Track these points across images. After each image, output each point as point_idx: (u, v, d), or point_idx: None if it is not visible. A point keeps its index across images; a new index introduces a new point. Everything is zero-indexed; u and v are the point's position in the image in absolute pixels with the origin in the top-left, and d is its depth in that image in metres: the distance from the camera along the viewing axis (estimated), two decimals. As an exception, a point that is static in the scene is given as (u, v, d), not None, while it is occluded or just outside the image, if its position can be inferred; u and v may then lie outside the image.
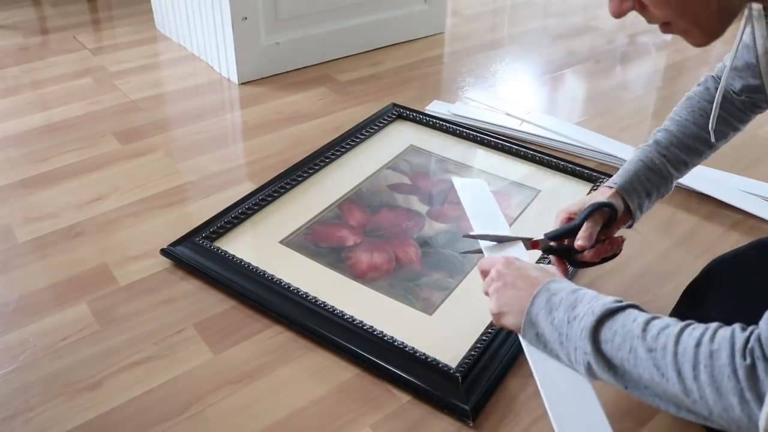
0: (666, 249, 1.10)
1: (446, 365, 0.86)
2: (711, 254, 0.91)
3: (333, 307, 0.95)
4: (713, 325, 0.58)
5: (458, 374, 0.85)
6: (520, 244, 0.88)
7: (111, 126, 1.43)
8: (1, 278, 1.01)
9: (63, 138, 1.38)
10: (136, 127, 1.43)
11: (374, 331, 0.91)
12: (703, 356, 0.56)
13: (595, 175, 1.25)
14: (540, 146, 1.39)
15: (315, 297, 0.96)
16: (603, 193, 0.90)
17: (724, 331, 0.57)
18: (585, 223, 0.85)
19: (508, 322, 0.74)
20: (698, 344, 0.57)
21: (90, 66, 1.69)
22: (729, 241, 1.12)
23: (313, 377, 0.87)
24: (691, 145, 0.91)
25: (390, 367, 0.87)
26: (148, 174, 1.27)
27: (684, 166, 0.92)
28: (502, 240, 0.89)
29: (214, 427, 0.80)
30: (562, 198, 1.21)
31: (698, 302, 0.85)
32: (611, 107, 1.57)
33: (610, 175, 1.25)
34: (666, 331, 0.60)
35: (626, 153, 1.33)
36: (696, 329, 0.59)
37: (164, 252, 1.05)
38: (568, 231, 0.87)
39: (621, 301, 0.66)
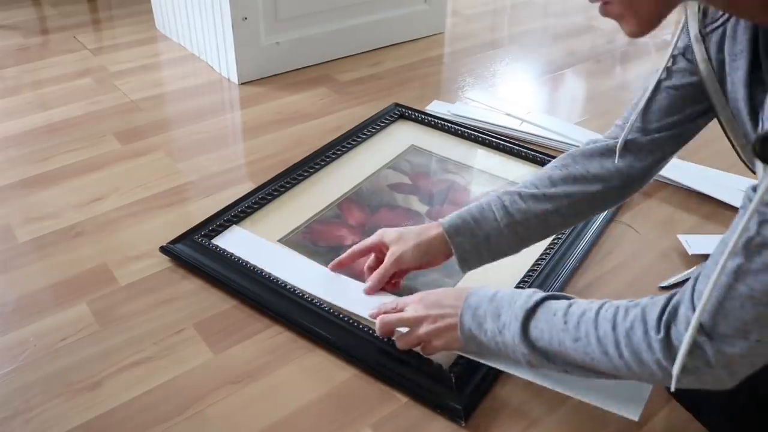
0: (666, 249, 1.10)
1: (440, 365, 0.86)
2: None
3: (329, 305, 0.95)
4: (623, 303, 0.66)
5: (452, 374, 0.85)
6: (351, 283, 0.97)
7: (111, 126, 1.43)
8: (1, 278, 1.01)
9: (63, 138, 1.38)
10: (136, 127, 1.43)
11: (371, 330, 0.91)
12: (621, 336, 0.64)
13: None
14: (540, 146, 1.39)
15: (312, 296, 0.96)
16: (431, 228, 0.91)
17: (635, 309, 0.64)
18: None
19: (450, 347, 0.81)
20: (614, 326, 0.65)
21: (90, 66, 1.69)
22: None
23: (313, 377, 0.87)
24: (534, 194, 0.87)
25: (387, 368, 0.87)
26: (148, 174, 1.27)
27: (520, 216, 0.86)
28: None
29: (214, 427, 0.80)
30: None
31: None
32: (611, 107, 1.57)
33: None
34: (584, 318, 0.68)
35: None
36: (608, 310, 0.67)
37: (163, 249, 1.05)
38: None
39: (535, 294, 0.73)
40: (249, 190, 1.20)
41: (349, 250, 0.97)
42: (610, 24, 2.10)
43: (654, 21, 0.61)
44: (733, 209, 1.20)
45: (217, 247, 1.05)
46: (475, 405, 0.83)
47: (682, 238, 1.11)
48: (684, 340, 0.59)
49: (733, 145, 0.72)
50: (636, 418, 0.74)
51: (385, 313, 0.86)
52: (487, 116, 1.48)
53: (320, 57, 1.74)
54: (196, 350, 0.90)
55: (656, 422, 0.83)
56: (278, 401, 0.84)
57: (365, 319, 0.92)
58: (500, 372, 0.87)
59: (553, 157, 1.29)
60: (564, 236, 1.09)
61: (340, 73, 1.70)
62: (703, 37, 0.70)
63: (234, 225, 1.11)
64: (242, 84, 1.62)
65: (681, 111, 0.82)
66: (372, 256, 0.96)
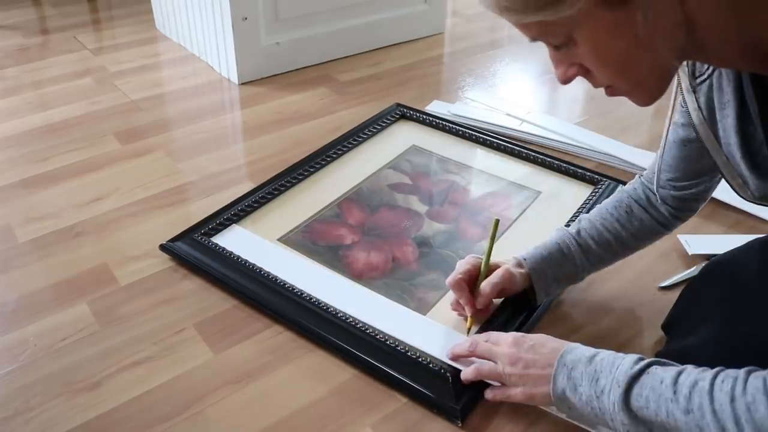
0: (666, 249, 1.10)
1: (437, 365, 0.86)
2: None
3: (327, 305, 0.95)
4: (741, 374, 0.60)
5: (449, 374, 0.85)
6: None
7: (111, 126, 1.43)
8: (1, 278, 1.01)
9: (63, 138, 1.38)
10: (136, 127, 1.43)
11: (368, 330, 0.91)
12: (741, 411, 0.58)
13: (597, 177, 1.25)
14: (540, 146, 1.39)
15: (310, 295, 0.96)
16: (515, 266, 0.92)
17: (755, 380, 0.59)
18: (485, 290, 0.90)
19: (537, 402, 0.78)
20: (733, 399, 0.59)
21: (90, 66, 1.69)
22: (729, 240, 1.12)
23: (313, 377, 0.87)
24: (609, 241, 0.93)
25: (383, 367, 0.87)
26: (148, 174, 1.27)
27: (598, 261, 0.94)
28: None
29: (214, 427, 0.80)
30: (562, 200, 1.22)
31: (696, 302, 0.85)
32: (611, 107, 1.57)
33: (609, 177, 1.25)
34: (697, 388, 0.62)
35: (626, 153, 1.33)
36: (726, 381, 0.61)
37: (163, 248, 1.05)
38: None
39: (641, 360, 0.68)
40: (249, 190, 1.20)
41: (461, 289, 0.91)
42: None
43: (661, 90, 0.64)
44: (734, 209, 1.20)
45: (216, 245, 1.05)
46: (473, 405, 0.83)
47: (682, 238, 1.11)
48: None
49: (730, 184, 0.73)
50: None
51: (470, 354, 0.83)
52: (487, 116, 1.48)
53: (320, 57, 1.74)
54: (196, 350, 0.90)
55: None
56: (278, 401, 0.84)
57: (364, 318, 0.92)
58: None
59: (553, 158, 1.30)
60: (564, 236, 1.09)
61: (340, 73, 1.70)
62: (694, 89, 0.73)
63: (234, 224, 1.11)
64: (242, 84, 1.62)
65: (700, 160, 0.85)
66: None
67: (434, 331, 0.93)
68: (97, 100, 1.53)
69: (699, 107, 0.73)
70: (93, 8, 2.07)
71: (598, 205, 0.97)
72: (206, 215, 1.12)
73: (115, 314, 0.96)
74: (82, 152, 1.33)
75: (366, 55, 1.80)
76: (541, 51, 1.93)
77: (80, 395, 0.84)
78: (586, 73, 0.66)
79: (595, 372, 0.70)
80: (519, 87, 1.70)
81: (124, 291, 1.00)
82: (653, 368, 0.67)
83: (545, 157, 1.31)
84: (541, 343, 0.77)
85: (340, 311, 0.94)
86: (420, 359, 0.87)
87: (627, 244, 0.93)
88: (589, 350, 0.73)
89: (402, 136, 1.41)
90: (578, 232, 0.93)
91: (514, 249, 1.09)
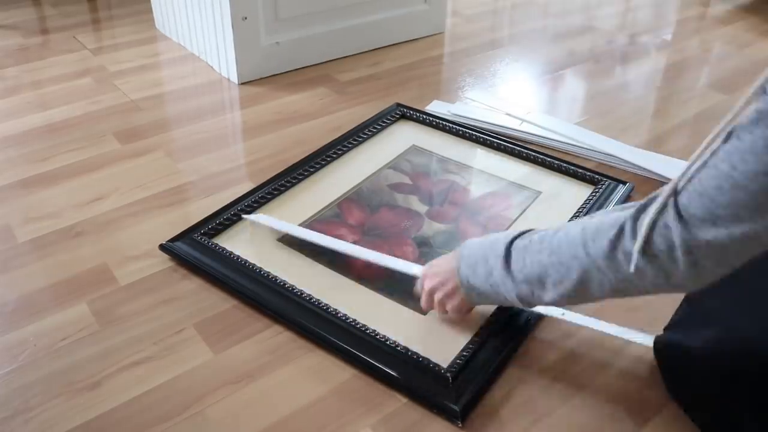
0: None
1: (437, 365, 0.86)
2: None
3: (327, 305, 0.95)
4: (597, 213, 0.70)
5: (449, 374, 0.85)
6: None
7: (111, 126, 1.43)
8: (1, 278, 1.01)
9: (63, 138, 1.38)
10: (136, 127, 1.43)
11: (368, 330, 0.91)
12: (589, 234, 0.67)
13: (597, 177, 1.25)
14: (540, 146, 1.39)
15: (310, 295, 0.96)
16: None
17: (607, 216, 0.68)
18: None
19: (461, 307, 0.86)
20: (583, 228, 0.68)
21: (90, 66, 1.69)
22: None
23: (313, 377, 0.87)
24: None
25: (383, 367, 0.87)
26: (148, 174, 1.27)
27: None
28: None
29: (214, 427, 0.80)
30: (562, 200, 1.22)
31: (698, 302, 0.85)
32: (611, 107, 1.57)
33: (610, 177, 1.25)
34: (558, 234, 0.71)
35: (626, 153, 1.33)
36: (577, 224, 0.70)
37: (163, 247, 1.05)
38: None
39: (517, 232, 0.77)
40: (249, 190, 1.20)
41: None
42: (610, 24, 2.12)
43: None
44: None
45: (216, 245, 1.05)
46: (473, 406, 0.83)
47: None
48: (649, 214, 0.61)
49: None
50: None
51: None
52: (487, 116, 1.48)
53: (320, 57, 1.74)
54: (196, 350, 0.90)
55: (656, 422, 0.83)
56: (278, 401, 0.84)
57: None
58: (498, 373, 0.87)
59: (553, 158, 1.30)
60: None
61: (340, 73, 1.70)
62: None
63: (234, 224, 1.11)
64: (242, 84, 1.62)
65: None
66: None
67: (434, 332, 0.93)
68: (97, 99, 1.53)
69: None
70: (93, 8, 2.07)
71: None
72: (206, 215, 1.12)
73: (115, 314, 0.95)
74: (81, 152, 1.33)
75: (366, 55, 1.80)
76: (541, 51, 1.93)
77: (80, 395, 0.84)
78: None
79: (484, 253, 0.79)
80: (519, 87, 1.70)
81: (124, 291, 1.00)
82: (526, 233, 0.76)
83: (545, 157, 1.31)
84: (444, 259, 0.88)
85: (340, 311, 0.94)
86: (420, 359, 0.87)
87: None
88: (479, 239, 0.83)
89: (402, 136, 1.41)
90: None
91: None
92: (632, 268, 0.61)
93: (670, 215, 0.59)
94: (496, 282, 0.77)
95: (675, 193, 0.60)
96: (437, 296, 0.87)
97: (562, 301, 0.74)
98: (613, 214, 0.67)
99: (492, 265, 0.77)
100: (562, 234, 0.71)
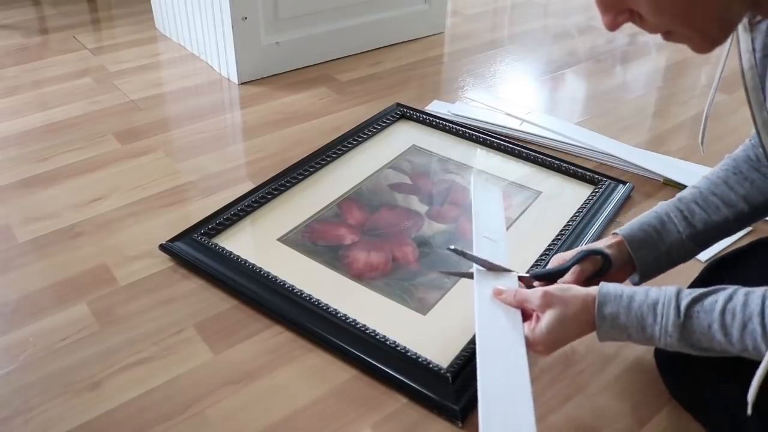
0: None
1: (437, 365, 0.86)
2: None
3: (327, 305, 0.95)
4: None
5: (449, 374, 0.84)
6: (515, 277, 0.86)
7: (111, 126, 1.43)
8: (1, 278, 1.01)
9: (63, 138, 1.38)
10: (136, 127, 1.43)
11: (368, 330, 0.91)
12: None
13: (597, 177, 1.25)
14: (540, 146, 1.39)
15: (310, 295, 0.96)
16: (606, 241, 0.86)
17: None
18: (573, 268, 0.84)
19: (572, 336, 0.76)
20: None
21: (90, 66, 1.69)
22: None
23: (314, 377, 0.87)
24: (715, 203, 0.84)
25: (383, 367, 0.87)
26: (148, 174, 1.27)
27: (702, 226, 0.84)
28: (493, 268, 0.86)
29: (214, 427, 0.80)
30: (562, 200, 1.22)
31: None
32: (611, 107, 1.57)
33: (610, 177, 1.25)
34: (747, 331, 0.63)
35: (626, 153, 1.33)
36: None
37: (163, 248, 1.05)
38: (555, 274, 0.85)
39: (679, 300, 0.68)
40: (249, 190, 1.20)
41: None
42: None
43: (721, 38, 0.60)
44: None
45: (216, 245, 1.05)
46: (473, 406, 0.83)
47: None
48: None
49: (764, 150, 0.68)
50: None
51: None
52: (487, 116, 1.48)
53: (320, 57, 1.74)
54: (196, 350, 0.90)
55: (656, 422, 0.82)
56: (278, 401, 0.84)
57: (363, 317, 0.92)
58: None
59: (553, 158, 1.31)
60: (564, 237, 1.09)
61: (340, 73, 1.70)
62: (752, 27, 0.67)
63: (234, 224, 1.11)
64: (242, 84, 1.62)
65: None
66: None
67: (434, 332, 0.93)
68: (97, 99, 1.53)
69: (753, 49, 0.67)
70: (93, 8, 2.06)
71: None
72: (206, 215, 1.12)
73: (115, 314, 0.95)
74: (81, 152, 1.33)
75: (366, 55, 1.80)
76: (541, 51, 1.93)
77: (80, 395, 0.83)
78: (639, 20, 0.60)
79: (639, 321, 0.70)
80: (519, 87, 1.70)
81: (124, 291, 1.00)
82: (696, 309, 0.67)
83: (545, 157, 1.31)
84: (574, 314, 0.74)
85: (340, 311, 0.94)
86: (420, 359, 0.87)
87: (737, 207, 0.83)
88: (622, 295, 0.72)
89: (402, 136, 1.41)
90: (679, 198, 0.86)
91: (514, 249, 1.09)
92: None
93: None
94: (656, 343, 0.71)
95: None
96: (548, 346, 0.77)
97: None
98: None
99: (652, 336, 0.70)
100: (757, 337, 0.64)
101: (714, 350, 0.67)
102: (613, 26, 0.60)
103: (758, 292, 0.64)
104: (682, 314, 0.68)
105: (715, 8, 0.55)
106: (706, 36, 0.59)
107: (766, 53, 0.66)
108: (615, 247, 0.84)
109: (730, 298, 0.65)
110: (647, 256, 0.84)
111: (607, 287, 0.73)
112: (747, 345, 0.63)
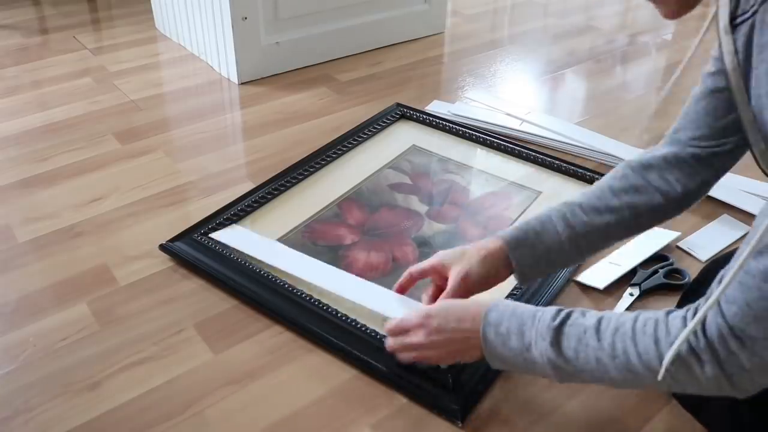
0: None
1: (437, 366, 0.85)
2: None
3: (327, 305, 0.95)
4: (661, 315, 0.65)
5: (449, 374, 0.84)
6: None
7: (111, 126, 1.43)
8: (1, 278, 1.01)
9: (63, 138, 1.38)
10: (136, 127, 1.43)
11: (367, 330, 0.91)
12: (665, 350, 0.63)
13: (597, 177, 1.25)
14: (540, 146, 1.39)
15: (310, 295, 0.96)
16: (485, 243, 0.85)
17: (675, 320, 0.63)
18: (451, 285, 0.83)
19: (465, 360, 0.79)
20: (657, 341, 0.63)
21: (90, 66, 1.69)
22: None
23: (313, 377, 0.87)
24: (596, 207, 0.84)
25: (383, 367, 0.87)
26: (148, 174, 1.27)
27: (582, 228, 0.84)
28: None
29: (214, 427, 0.80)
30: (562, 200, 1.21)
31: (696, 299, 0.85)
32: (611, 107, 1.57)
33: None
34: (619, 333, 0.66)
35: (626, 153, 1.33)
36: (648, 325, 0.65)
37: (163, 248, 1.05)
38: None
39: (560, 311, 0.71)
40: (249, 190, 1.20)
41: (407, 273, 0.89)
42: (610, 24, 2.11)
43: (690, 3, 0.60)
44: (734, 210, 1.20)
45: (216, 245, 1.05)
46: (473, 406, 0.83)
47: (684, 246, 1.11)
48: (709, 341, 0.59)
49: (752, 150, 0.69)
50: None
51: (391, 333, 0.83)
52: (487, 116, 1.48)
53: (320, 57, 1.74)
54: (196, 350, 0.90)
55: (656, 422, 0.82)
56: (278, 401, 0.84)
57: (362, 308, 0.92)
58: (498, 373, 0.87)
59: (553, 158, 1.31)
60: (564, 236, 1.09)
61: (340, 73, 1.70)
62: (733, 28, 0.67)
63: (234, 224, 1.11)
64: (242, 84, 1.62)
65: (728, 115, 0.77)
66: (430, 289, 0.88)
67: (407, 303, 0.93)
68: (97, 99, 1.53)
69: (736, 50, 0.67)
70: (93, 8, 2.06)
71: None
72: (206, 215, 1.12)
73: (115, 314, 0.95)
74: (81, 152, 1.33)
75: (366, 55, 1.80)
76: (541, 51, 1.93)
77: (80, 395, 0.83)
78: None
79: (519, 325, 0.72)
80: (519, 87, 1.70)
81: (124, 291, 1.00)
82: (574, 318, 0.70)
83: (545, 157, 1.31)
84: (447, 311, 0.78)
85: (340, 311, 0.94)
86: (420, 359, 0.87)
87: (620, 213, 0.84)
88: (509, 304, 0.76)
89: (402, 136, 1.41)
90: (566, 201, 0.87)
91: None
92: (706, 382, 0.61)
93: (733, 344, 0.58)
94: (534, 361, 0.71)
95: (724, 317, 0.59)
96: (436, 353, 0.79)
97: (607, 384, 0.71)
98: (674, 324, 0.64)
99: (531, 342, 0.71)
100: (627, 339, 0.66)
101: (580, 360, 0.68)
102: None
103: (634, 312, 0.68)
104: (559, 317, 0.70)
105: None
106: None
107: (749, 54, 0.65)
108: (497, 247, 0.84)
109: (609, 314, 0.69)
110: (526, 256, 0.84)
111: (497, 301, 0.77)
112: (617, 349, 0.66)
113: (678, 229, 1.13)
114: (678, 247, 1.11)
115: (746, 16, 0.64)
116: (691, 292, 0.88)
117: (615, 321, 0.67)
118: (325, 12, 1.70)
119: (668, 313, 0.65)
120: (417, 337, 0.79)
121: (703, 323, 0.61)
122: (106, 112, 1.48)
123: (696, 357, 0.61)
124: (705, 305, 0.59)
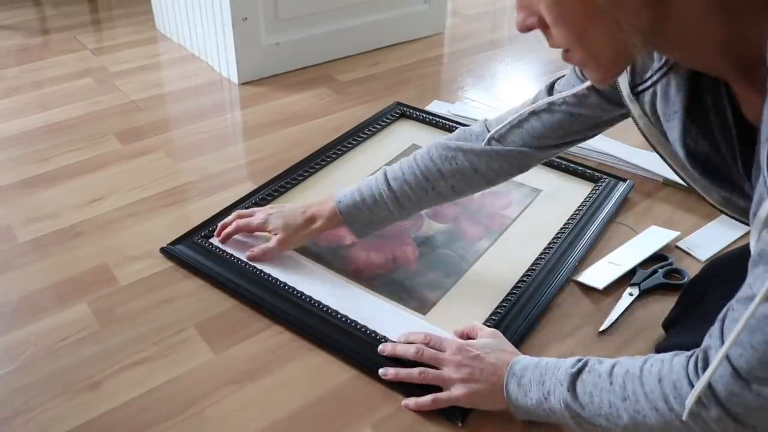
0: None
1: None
2: (710, 254, 0.91)
3: (327, 305, 0.95)
4: (667, 356, 0.64)
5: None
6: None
7: (111, 126, 1.43)
8: (1, 278, 1.02)
9: (63, 138, 1.38)
10: (136, 127, 1.43)
11: (367, 330, 0.91)
12: (668, 389, 0.62)
13: (597, 175, 1.25)
14: (540, 146, 1.38)
15: (310, 296, 0.96)
16: (325, 207, 0.99)
17: (679, 359, 0.63)
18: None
19: (486, 407, 0.81)
20: (660, 380, 0.63)
21: (90, 66, 1.70)
22: (729, 240, 1.12)
23: (313, 377, 0.87)
24: (423, 186, 0.95)
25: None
26: (148, 174, 1.27)
27: (399, 191, 0.95)
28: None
29: (214, 427, 0.80)
30: (562, 198, 1.22)
31: (698, 301, 0.85)
32: (611, 107, 1.57)
33: (610, 175, 1.25)
34: (629, 375, 0.66)
35: (626, 153, 1.33)
36: (654, 365, 0.65)
37: (164, 251, 1.05)
38: None
39: (579, 360, 0.72)
40: (249, 191, 1.20)
41: (235, 224, 1.04)
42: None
43: (615, 70, 0.62)
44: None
45: (217, 248, 1.05)
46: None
47: (683, 246, 1.11)
48: (719, 388, 0.58)
49: (686, 182, 0.74)
50: None
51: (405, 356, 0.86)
52: (487, 116, 1.47)
53: (320, 57, 1.74)
54: (196, 350, 0.90)
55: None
56: (278, 401, 0.84)
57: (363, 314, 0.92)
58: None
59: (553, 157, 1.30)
60: (563, 236, 1.09)
61: (340, 73, 1.70)
62: (636, 96, 0.72)
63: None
64: (242, 84, 1.62)
65: (573, 131, 0.89)
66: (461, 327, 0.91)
67: (434, 332, 0.93)
68: (98, 100, 1.53)
69: (645, 113, 0.72)
70: (93, 8, 2.07)
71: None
72: (206, 216, 1.12)
73: (115, 314, 0.96)
74: (82, 152, 1.33)
75: (366, 55, 1.80)
76: (541, 51, 1.92)
77: (80, 395, 0.84)
78: (545, 29, 0.60)
79: (541, 375, 0.74)
80: (519, 87, 1.70)
81: (124, 291, 1.00)
82: (591, 364, 0.71)
83: (545, 157, 1.31)
84: (485, 352, 0.81)
85: (340, 311, 0.94)
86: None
87: (443, 192, 0.96)
88: (534, 358, 0.78)
89: (402, 136, 1.41)
90: (393, 179, 0.96)
91: (515, 248, 1.09)
92: (713, 424, 0.60)
93: (737, 386, 0.57)
94: (554, 409, 0.72)
95: (729, 360, 0.58)
96: (458, 379, 0.80)
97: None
98: (678, 361, 0.63)
99: (549, 390, 0.72)
100: (635, 379, 0.66)
101: (595, 404, 0.68)
102: (521, 27, 0.61)
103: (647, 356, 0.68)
104: (578, 365, 0.71)
105: (611, 32, 0.55)
106: (599, 62, 0.60)
107: (657, 115, 0.70)
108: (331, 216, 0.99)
109: (623, 358, 0.69)
110: (360, 228, 0.99)
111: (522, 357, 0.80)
112: (627, 390, 0.66)
113: (677, 229, 1.13)
114: (677, 247, 1.10)
115: (647, 85, 0.70)
116: (690, 291, 0.88)
117: (627, 364, 0.68)
118: (325, 12, 1.70)
119: (675, 354, 0.64)
120: (453, 356, 0.82)
121: (704, 367, 0.60)
122: (106, 113, 1.48)
123: (700, 402, 0.60)
124: (715, 360, 0.58)
